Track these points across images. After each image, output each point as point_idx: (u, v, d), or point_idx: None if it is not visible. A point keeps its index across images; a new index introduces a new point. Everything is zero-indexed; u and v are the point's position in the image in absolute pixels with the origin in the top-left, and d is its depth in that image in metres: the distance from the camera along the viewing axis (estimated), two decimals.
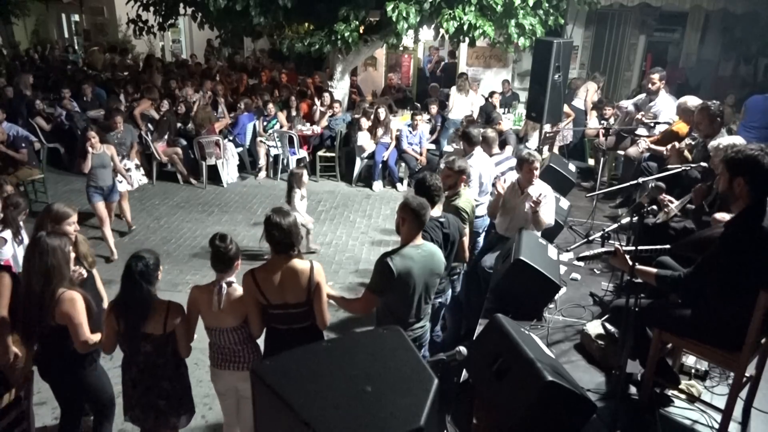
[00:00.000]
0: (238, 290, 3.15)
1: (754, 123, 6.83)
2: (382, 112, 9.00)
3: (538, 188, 4.62)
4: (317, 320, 3.21)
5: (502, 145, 7.36)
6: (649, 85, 6.62)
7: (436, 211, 3.83)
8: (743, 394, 3.08)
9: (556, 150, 8.42)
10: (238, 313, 3.13)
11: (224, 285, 3.12)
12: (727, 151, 2.86)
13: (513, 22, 8.28)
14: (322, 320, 3.20)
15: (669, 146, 5.54)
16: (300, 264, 3.13)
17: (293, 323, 3.16)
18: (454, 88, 10.18)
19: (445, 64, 13.31)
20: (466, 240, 4.17)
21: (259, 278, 3.09)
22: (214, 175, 9.07)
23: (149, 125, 9.16)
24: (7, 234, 4.26)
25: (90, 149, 6.20)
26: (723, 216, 3.41)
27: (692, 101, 5.71)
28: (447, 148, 9.08)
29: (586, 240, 4.26)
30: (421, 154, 8.98)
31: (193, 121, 9.34)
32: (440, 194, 3.82)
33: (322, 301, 3.18)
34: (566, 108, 8.57)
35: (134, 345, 3.04)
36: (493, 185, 5.12)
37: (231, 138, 9.32)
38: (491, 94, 10.15)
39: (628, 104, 7.29)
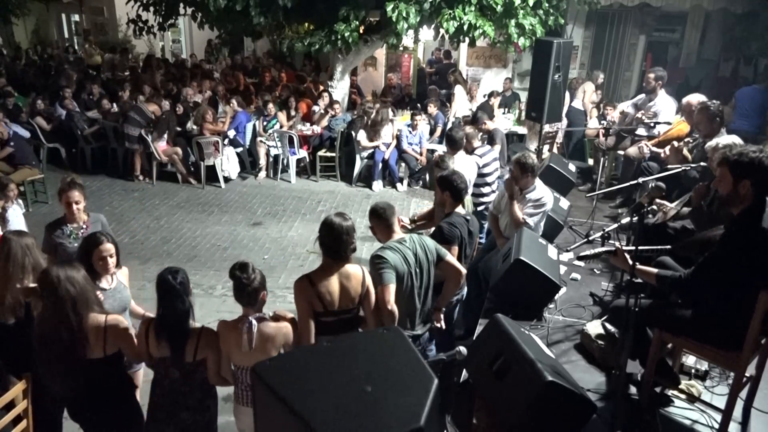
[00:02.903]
0: (270, 325, 2.91)
1: (745, 111, 7.90)
2: (383, 114, 9.00)
3: (539, 191, 4.61)
4: (369, 323, 3.16)
5: (490, 142, 7.43)
6: (646, 85, 6.65)
7: (461, 209, 3.98)
8: (743, 394, 3.08)
9: (555, 150, 8.42)
10: (272, 351, 2.89)
11: (254, 322, 2.86)
12: (726, 154, 2.85)
13: (513, 22, 8.28)
14: (374, 324, 3.16)
15: (669, 146, 5.54)
16: (352, 268, 3.09)
17: (341, 331, 3.07)
18: (458, 87, 10.20)
19: (438, 65, 13.33)
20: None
21: (317, 283, 3.00)
22: (215, 176, 9.07)
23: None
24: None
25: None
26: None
27: (698, 99, 5.68)
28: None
29: (586, 240, 4.25)
30: (421, 154, 8.98)
31: (195, 121, 9.35)
32: (467, 192, 4.01)
33: (372, 304, 3.16)
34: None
35: (160, 368, 2.85)
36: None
37: (231, 137, 9.31)
38: (491, 94, 10.14)
39: (627, 105, 7.30)
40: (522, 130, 9.71)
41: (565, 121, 8.70)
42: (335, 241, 3.02)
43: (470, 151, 5.79)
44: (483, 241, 5.38)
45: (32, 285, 3.15)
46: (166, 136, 9.00)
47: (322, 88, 10.52)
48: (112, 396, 2.95)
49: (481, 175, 5.70)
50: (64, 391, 2.92)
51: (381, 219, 3.40)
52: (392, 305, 3.14)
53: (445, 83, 11.36)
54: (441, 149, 8.96)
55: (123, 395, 3.02)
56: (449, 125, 9.79)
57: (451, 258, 3.51)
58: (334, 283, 3.03)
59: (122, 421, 3.01)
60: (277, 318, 2.99)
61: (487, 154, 5.85)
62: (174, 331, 2.79)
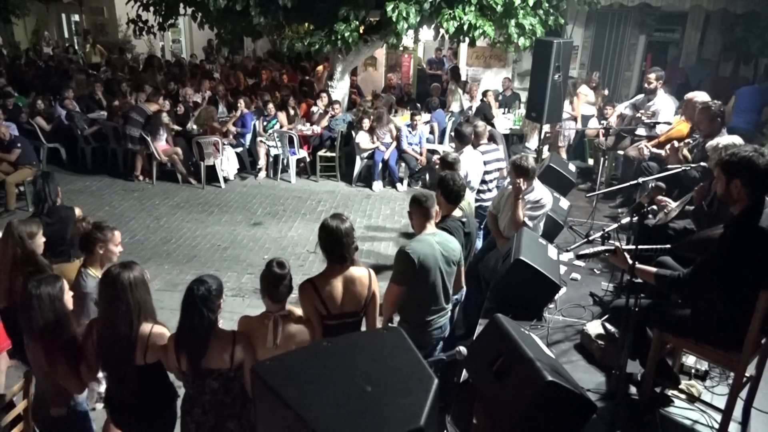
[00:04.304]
0: (293, 326, 2.92)
1: (742, 108, 8.07)
2: (383, 113, 9.01)
3: (538, 192, 4.60)
4: (369, 329, 3.17)
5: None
6: (646, 85, 6.65)
7: (458, 212, 3.94)
8: (743, 394, 3.08)
9: (563, 152, 8.37)
10: (295, 346, 2.86)
11: (279, 319, 2.88)
12: (722, 154, 2.85)
13: (513, 22, 8.28)
14: (375, 329, 3.18)
15: (668, 146, 5.55)
16: (358, 272, 3.07)
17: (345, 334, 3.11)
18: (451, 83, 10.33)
19: (436, 64, 13.46)
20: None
21: (320, 287, 2.99)
22: (215, 176, 9.06)
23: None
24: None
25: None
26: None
27: (700, 97, 5.68)
28: (446, 147, 9.09)
29: (586, 240, 4.25)
30: (421, 154, 8.98)
31: (196, 121, 9.34)
32: (463, 194, 3.93)
33: (377, 309, 3.16)
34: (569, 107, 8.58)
35: (198, 382, 2.76)
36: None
37: (236, 134, 9.29)
38: (484, 93, 10.15)
39: (625, 106, 7.30)
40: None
41: (570, 122, 8.69)
42: (336, 245, 3.01)
43: (475, 147, 5.78)
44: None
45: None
46: (164, 135, 8.97)
47: (322, 69, 10.40)
48: (154, 404, 2.91)
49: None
50: (118, 393, 2.89)
51: (421, 207, 3.40)
52: (389, 304, 3.26)
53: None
54: (441, 149, 8.98)
55: (165, 404, 2.97)
56: (449, 125, 9.81)
57: (462, 268, 3.63)
58: (337, 288, 3.02)
59: (162, 428, 2.99)
60: (295, 316, 3.01)
61: (491, 152, 5.83)
62: (190, 344, 2.71)
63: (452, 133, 9.23)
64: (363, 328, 3.27)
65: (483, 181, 5.70)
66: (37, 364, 2.85)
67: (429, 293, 3.33)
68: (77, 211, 4.06)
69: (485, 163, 5.70)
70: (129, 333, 2.71)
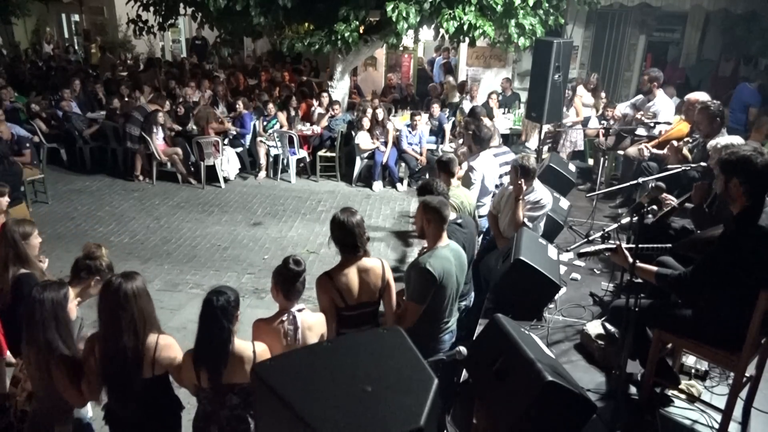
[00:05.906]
0: (311, 316, 2.96)
1: (733, 106, 8.41)
2: (380, 113, 9.01)
3: (538, 193, 4.59)
4: (388, 317, 3.21)
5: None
6: (641, 86, 6.68)
7: (452, 214, 3.86)
8: (743, 394, 3.08)
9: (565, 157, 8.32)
10: (313, 340, 2.89)
11: (296, 314, 2.90)
12: (722, 153, 2.86)
13: (513, 22, 8.28)
14: (394, 317, 3.21)
15: (668, 146, 5.55)
16: (371, 262, 3.14)
17: (363, 324, 3.13)
18: (450, 78, 10.63)
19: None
20: None
21: (336, 279, 3.06)
22: (215, 176, 9.06)
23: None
24: None
25: None
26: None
27: (701, 97, 5.68)
28: (445, 147, 9.08)
29: (586, 240, 4.25)
30: (421, 154, 8.98)
31: (196, 121, 9.33)
32: (447, 195, 3.86)
33: (393, 297, 3.21)
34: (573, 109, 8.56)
35: (218, 398, 2.68)
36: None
37: (234, 134, 9.29)
38: (490, 95, 10.16)
39: (625, 106, 7.31)
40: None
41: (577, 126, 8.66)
42: (349, 237, 3.07)
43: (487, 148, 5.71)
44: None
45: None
46: (159, 133, 8.93)
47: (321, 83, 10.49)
48: (160, 417, 2.84)
49: None
50: (121, 410, 2.78)
51: (441, 216, 3.23)
52: (410, 324, 3.16)
53: None
54: (441, 150, 8.98)
55: (171, 416, 2.90)
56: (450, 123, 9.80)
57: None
58: (353, 279, 3.09)
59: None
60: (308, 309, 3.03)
61: (503, 155, 5.76)
62: (210, 358, 2.65)
63: (453, 131, 9.30)
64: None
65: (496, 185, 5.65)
66: (33, 372, 2.78)
67: (443, 307, 3.31)
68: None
69: (500, 165, 5.64)
70: (135, 345, 2.63)
